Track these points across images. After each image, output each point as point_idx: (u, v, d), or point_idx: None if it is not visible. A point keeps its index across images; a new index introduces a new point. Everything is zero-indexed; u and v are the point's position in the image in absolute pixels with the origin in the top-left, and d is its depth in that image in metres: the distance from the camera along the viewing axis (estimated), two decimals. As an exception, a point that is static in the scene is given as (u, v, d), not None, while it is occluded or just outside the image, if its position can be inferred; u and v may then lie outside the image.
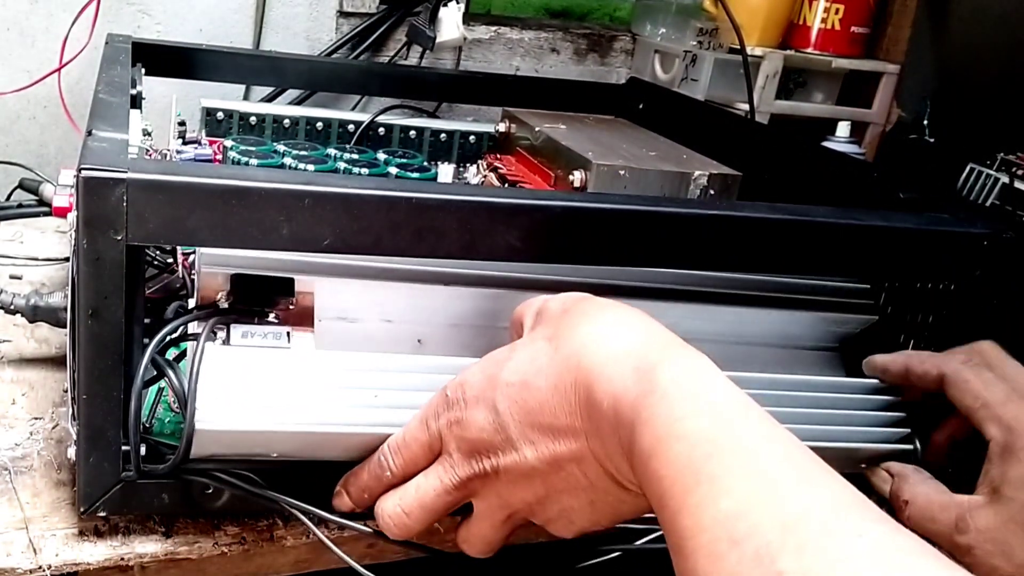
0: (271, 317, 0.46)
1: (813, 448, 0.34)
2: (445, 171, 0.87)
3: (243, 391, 0.43)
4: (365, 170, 0.76)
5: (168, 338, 0.46)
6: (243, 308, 0.45)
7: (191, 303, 0.47)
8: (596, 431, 0.39)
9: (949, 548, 0.48)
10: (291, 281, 0.46)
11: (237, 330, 0.45)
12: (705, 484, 0.33)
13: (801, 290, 0.56)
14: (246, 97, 1.09)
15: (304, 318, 0.46)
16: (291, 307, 0.46)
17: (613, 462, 0.39)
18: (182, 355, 0.50)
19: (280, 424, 0.43)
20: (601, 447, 0.40)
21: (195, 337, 0.45)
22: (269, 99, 1.07)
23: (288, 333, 0.45)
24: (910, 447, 0.54)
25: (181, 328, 0.46)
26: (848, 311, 0.58)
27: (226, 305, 0.46)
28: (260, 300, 0.46)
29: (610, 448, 0.39)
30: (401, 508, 0.45)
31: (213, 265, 0.45)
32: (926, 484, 0.51)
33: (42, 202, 0.90)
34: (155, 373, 0.46)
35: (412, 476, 0.45)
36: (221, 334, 0.45)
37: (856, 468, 0.54)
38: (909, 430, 0.54)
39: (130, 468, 0.48)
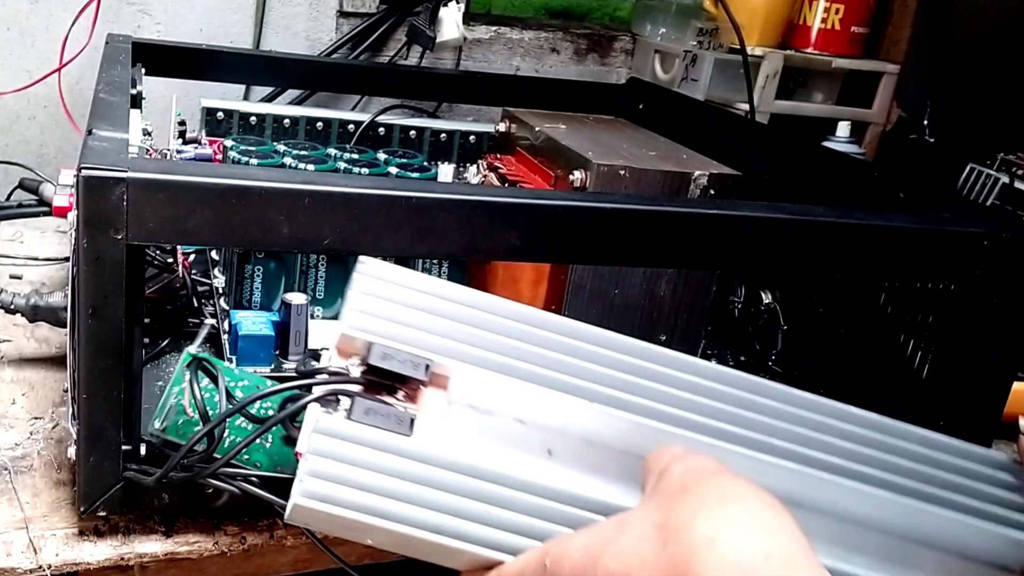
0: (400, 395, 0.43)
1: None
2: (445, 171, 0.87)
3: (352, 473, 0.41)
4: (365, 170, 0.76)
5: (293, 397, 0.45)
6: (373, 380, 0.43)
7: (324, 358, 0.46)
8: None
9: None
10: (427, 361, 0.45)
11: (361, 405, 0.42)
12: None
13: (991, 500, 0.51)
14: (246, 97, 1.09)
15: (434, 400, 0.44)
16: (423, 386, 0.44)
17: None
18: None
19: (382, 520, 0.41)
20: None
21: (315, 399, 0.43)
22: (269, 99, 1.07)
23: (412, 420, 0.43)
24: None
25: (303, 388, 0.44)
26: None
27: (358, 373, 0.44)
28: (392, 374, 0.44)
29: None
30: None
31: (355, 329, 0.44)
32: None
33: (42, 202, 0.90)
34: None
35: None
36: (344, 401, 0.43)
37: None
38: None
39: (129, 468, 0.48)
